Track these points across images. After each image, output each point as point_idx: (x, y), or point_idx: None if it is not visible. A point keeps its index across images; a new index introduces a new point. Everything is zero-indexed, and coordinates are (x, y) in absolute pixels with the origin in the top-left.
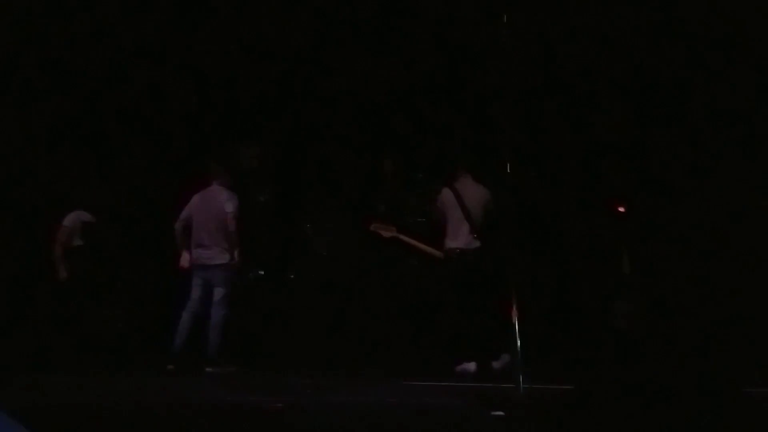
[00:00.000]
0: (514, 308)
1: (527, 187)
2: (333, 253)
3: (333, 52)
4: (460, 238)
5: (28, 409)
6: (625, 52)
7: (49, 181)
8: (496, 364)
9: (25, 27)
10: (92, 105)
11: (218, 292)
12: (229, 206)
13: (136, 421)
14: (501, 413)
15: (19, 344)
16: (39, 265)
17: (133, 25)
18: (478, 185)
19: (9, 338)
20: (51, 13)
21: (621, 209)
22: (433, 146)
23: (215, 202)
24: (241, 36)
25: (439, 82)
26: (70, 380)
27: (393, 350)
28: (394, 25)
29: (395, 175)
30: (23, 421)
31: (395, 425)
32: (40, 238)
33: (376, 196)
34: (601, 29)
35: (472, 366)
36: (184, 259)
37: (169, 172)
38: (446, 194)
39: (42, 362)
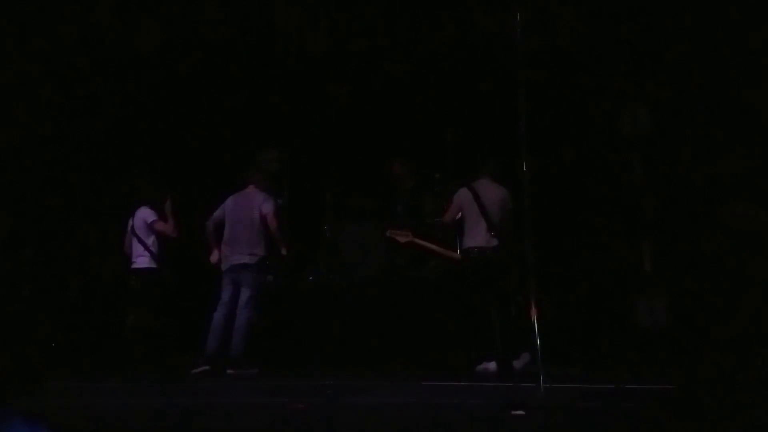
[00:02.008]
0: (534, 307)
1: (545, 184)
2: (352, 255)
3: (348, 52)
4: (478, 236)
5: (54, 413)
6: (642, 45)
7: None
8: (516, 364)
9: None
10: (117, 109)
11: (245, 294)
12: (267, 207)
13: (158, 422)
14: (521, 413)
15: (49, 348)
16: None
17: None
18: (496, 185)
19: (40, 342)
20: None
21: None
22: (451, 146)
23: (249, 205)
24: (255, 40)
25: (456, 80)
26: (91, 385)
27: (413, 350)
28: (411, 23)
29: (408, 175)
30: (50, 425)
31: (416, 425)
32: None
33: (393, 197)
34: (621, 21)
35: (492, 365)
36: (214, 256)
37: (194, 176)
38: (464, 193)
39: (70, 366)
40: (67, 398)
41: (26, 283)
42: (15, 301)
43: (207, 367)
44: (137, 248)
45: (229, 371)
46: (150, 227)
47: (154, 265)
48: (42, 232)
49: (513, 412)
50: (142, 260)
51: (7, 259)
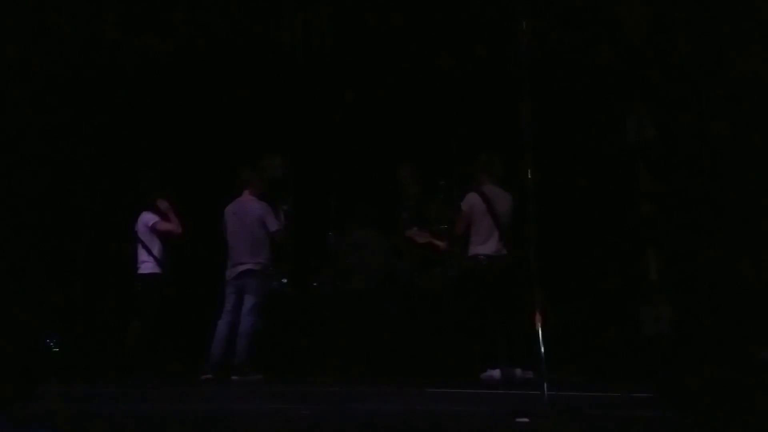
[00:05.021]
0: (538, 314)
1: (550, 191)
2: (356, 261)
3: (353, 58)
4: (489, 244)
5: (56, 418)
6: (648, 48)
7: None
8: (520, 372)
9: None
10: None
11: (248, 301)
12: (272, 224)
13: (161, 429)
14: (526, 420)
15: (48, 353)
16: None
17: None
18: (501, 190)
19: (43, 347)
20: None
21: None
22: (456, 153)
23: (248, 213)
24: (261, 45)
25: (461, 86)
26: (94, 390)
27: (417, 357)
28: (415, 30)
29: (415, 181)
30: (51, 429)
31: None
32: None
33: (398, 203)
34: (626, 29)
35: (497, 373)
36: None
37: (199, 181)
38: (474, 200)
39: (74, 371)
40: (70, 403)
41: (28, 287)
42: (14, 306)
43: (210, 376)
44: (141, 254)
45: (233, 377)
46: (152, 229)
47: (158, 271)
48: (45, 236)
49: (517, 420)
50: (146, 266)
51: (8, 262)
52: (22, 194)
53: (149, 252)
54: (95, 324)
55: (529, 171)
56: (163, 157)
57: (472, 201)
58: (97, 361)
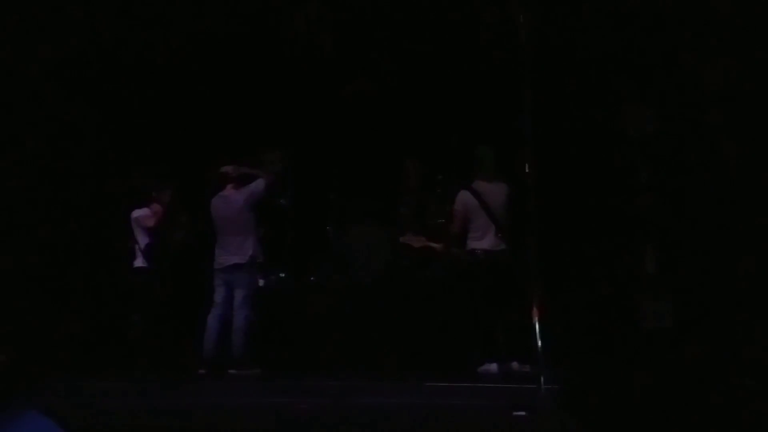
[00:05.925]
0: (536, 309)
1: (549, 186)
2: (355, 256)
3: (353, 53)
4: (486, 239)
5: (57, 412)
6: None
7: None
8: (517, 365)
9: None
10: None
11: (239, 294)
12: (260, 181)
13: (161, 422)
14: (523, 413)
15: (53, 347)
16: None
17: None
18: (494, 183)
19: (45, 340)
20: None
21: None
22: (454, 147)
23: (232, 205)
24: (260, 40)
25: (460, 81)
26: (94, 384)
27: (415, 351)
28: (414, 24)
29: (416, 176)
30: (59, 421)
31: (418, 426)
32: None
33: (398, 198)
34: (626, 22)
35: (494, 367)
36: None
37: (197, 177)
38: (466, 197)
39: (70, 365)
40: (70, 397)
41: (30, 282)
42: (18, 300)
43: (204, 371)
44: (136, 249)
45: (231, 371)
46: (136, 223)
47: (144, 265)
48: (47, 231)
49: (515, 413)
50: (138, 260)
51: (11, 257)
52: (23, 191)
53: (140, 247)
54: (95, 318)
55: (528, 165)
56: (161, 153)
57: (464, 199)
58: (97, 355)
